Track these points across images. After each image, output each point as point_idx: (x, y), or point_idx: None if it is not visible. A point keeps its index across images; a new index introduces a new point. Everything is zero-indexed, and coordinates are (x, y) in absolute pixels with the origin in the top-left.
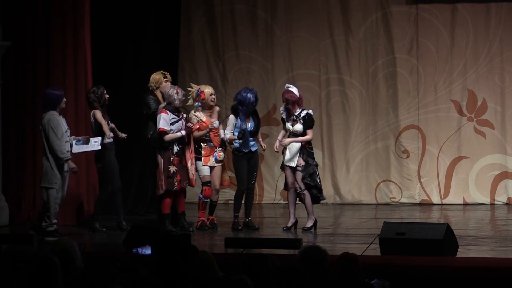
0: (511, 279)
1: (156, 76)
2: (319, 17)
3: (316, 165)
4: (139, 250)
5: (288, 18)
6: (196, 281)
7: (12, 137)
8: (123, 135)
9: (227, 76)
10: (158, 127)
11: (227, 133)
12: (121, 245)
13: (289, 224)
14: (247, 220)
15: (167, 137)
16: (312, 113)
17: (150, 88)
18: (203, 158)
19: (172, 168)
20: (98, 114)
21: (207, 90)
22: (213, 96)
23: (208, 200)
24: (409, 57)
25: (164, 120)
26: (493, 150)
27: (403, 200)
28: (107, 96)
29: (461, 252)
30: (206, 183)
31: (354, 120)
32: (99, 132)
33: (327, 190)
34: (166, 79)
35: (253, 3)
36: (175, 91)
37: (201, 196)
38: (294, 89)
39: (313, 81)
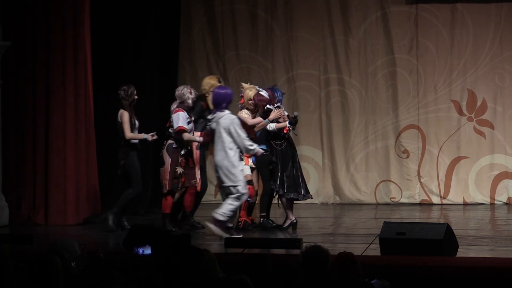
0: (511, 279)
1: (211, 81)
2: (319, 17)
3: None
4: (139, 250)
5: (288, 18)
6: (197, 281)
7: (12, 137)
8: (150, 136)
9: (227, 76)
10: (177, 125)
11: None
12: (121, 245)
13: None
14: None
15: (187, 136)
16: (271, 108)
17: (204, 92)
18: (244, 157)
19: (179, 169)
20: (126, 116)
21: (248, 92)
22: (251, 102)
23: (251, 200)
24: (409, 57)
25: (183, 118)
26: (493, 150)
27: (403, 200)
28: (136, 97)
29: (461, 252)
30: (249, 182)
31: (354, 120)
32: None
33: (327, 190)
34: (221, 84)
35: (253, 3)
36: (188, 90)
37: None
38: (264, 93)
39: (313, 81)
